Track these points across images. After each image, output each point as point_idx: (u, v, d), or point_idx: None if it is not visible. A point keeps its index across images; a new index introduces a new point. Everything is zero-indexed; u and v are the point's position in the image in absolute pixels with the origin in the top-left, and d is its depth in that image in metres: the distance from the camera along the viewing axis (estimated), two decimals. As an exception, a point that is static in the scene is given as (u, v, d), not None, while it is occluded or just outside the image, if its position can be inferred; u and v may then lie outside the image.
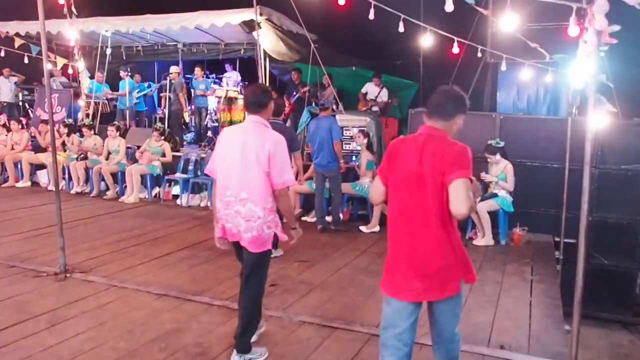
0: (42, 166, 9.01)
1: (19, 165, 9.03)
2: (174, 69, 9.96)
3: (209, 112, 10.17)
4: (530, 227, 6.30)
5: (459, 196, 2.19)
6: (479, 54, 6.87)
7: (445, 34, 6.08)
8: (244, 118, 9.73)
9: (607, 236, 6.01)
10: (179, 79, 9.92)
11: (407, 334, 2.42)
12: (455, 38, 6.16)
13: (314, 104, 9.46)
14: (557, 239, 6.27)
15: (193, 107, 10.45)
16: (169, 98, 9.93)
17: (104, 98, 10.41)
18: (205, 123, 10.12)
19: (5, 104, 11.08)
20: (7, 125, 9.30)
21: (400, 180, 2.39)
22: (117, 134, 8.45)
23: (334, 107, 8.99)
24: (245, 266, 3.11)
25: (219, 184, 3.10)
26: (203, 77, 9.93)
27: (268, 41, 8.53)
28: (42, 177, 9.03)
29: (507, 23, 4.39)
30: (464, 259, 2.37)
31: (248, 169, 2.98)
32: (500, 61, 6.57)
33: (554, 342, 3.59)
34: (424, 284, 2.34)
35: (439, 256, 2.31)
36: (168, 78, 10.05)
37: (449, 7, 4.48)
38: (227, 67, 10.70)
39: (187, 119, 10.50)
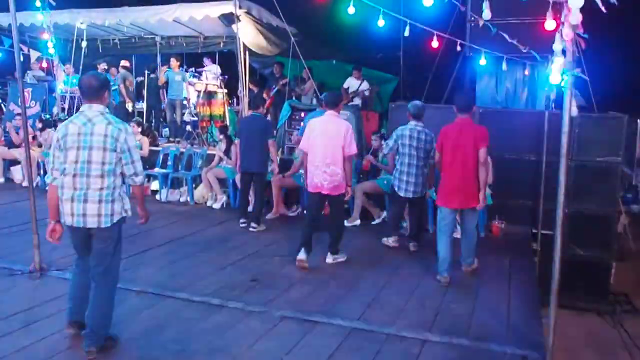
0: (16, 162, 8.80)
1: (-8, 161, 8.81)
2: (122, 62, 10.08)
3: (188, 106, 9.96)
4: (508, 219, 6.38)
5: (484, 155, 4.43)
6: (458, 48, 6.90)
7: (425, 27, 6.10)
8: (224, 113, 9.67)
9: (582, 227, 6.11)
10: (123, 71, 10.01)
11: (449, 225, 4.62)
12: (435, 32, 6.19)
13: (294, 98, 9.41)
14: (534, 231, 6.37)
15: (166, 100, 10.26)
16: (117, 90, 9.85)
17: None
18: (182, 117, 9.88)
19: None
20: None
21: (451, 147, 4.50)
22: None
23: (315, 100, 8.98)
24: (332, 205, 5.00)
25: (310, 155, 4.82)
26: (179, 68, 9.69)
27: (248, 34, 8.44)
28: (16, 173, 8.81)
29: (485, 17, 4.43)
30: (479, 189, 4.48)
31: (331, 144, 4.72)
32: (479, 55, 6.63)
33: (531, 332, 3.65)
34: (461, 199, 4.51)
35: (470, 185, 4.46)
36: (145, 72, 9.88)
37: (428, 1, 4.49)
38: (206, 60, 10.50)
39: (130, 110, 10.24)
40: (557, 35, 3.13)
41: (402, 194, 5.36)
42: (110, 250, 3.14)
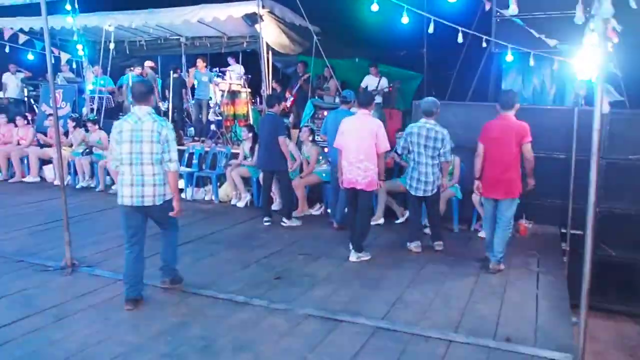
0: (47, 162, 9.06)
1: (25, 161, 9.09)
2: (147, 63, 10.37)
3: (212, 106, 10.08)
4: (537, 219, 6.24)
5: (530, 151, 4.68)
6: (484, 44, 6.77)
7: (450, 24, 6.02)
8: (247, 112, 9.76)
9: (614, 227, 5.93)
10: (151, 71, 10.32)
11: (491, 215, 4.90)
12: (460, 28, 6.10)
13: (316, 97, 9.41)
14: (563, 231, 6.22)
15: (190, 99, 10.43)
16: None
17: (108, 92, 10.41)
18: (208, 117, 10.02)
19: (12, 100, 11.11)
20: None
21: (492, 141, 4.74)
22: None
23: (337, 99, 8.95)
24: (360, 200, 5.08)
25: (345, 152, 5.04)
26: (206, 68, 9.86)
27: (270, 34, 8.48)
28: (48, 172, 9.08)
29: (511, 12, 4.34)
30: (520, 182, 4.72)
31: (364, 141, 4.94)
32: (505, 51, 6.49)
33: (560, 334, 3.57)
34: (501, 191, 4.74)
35: (511, 178, 4.67)
36: (170, 72, 10.05)
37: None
38: (230, 60, 10.62)
39: (163, 109, 10.45)
40: (587, 29, 3.05)
41: (412, 192, 5.30)
42: (168, 215, 3.94)
